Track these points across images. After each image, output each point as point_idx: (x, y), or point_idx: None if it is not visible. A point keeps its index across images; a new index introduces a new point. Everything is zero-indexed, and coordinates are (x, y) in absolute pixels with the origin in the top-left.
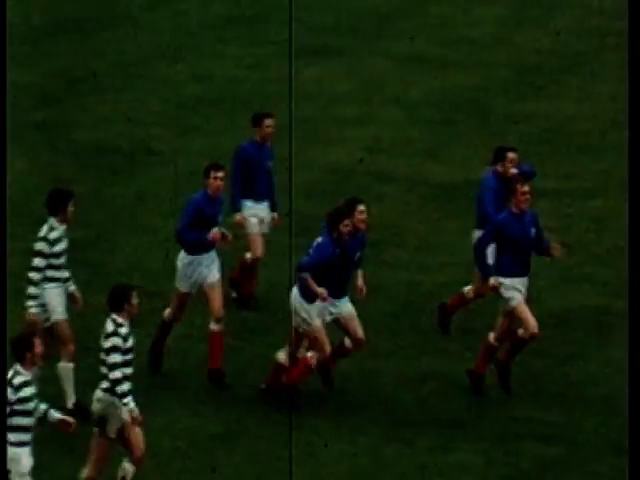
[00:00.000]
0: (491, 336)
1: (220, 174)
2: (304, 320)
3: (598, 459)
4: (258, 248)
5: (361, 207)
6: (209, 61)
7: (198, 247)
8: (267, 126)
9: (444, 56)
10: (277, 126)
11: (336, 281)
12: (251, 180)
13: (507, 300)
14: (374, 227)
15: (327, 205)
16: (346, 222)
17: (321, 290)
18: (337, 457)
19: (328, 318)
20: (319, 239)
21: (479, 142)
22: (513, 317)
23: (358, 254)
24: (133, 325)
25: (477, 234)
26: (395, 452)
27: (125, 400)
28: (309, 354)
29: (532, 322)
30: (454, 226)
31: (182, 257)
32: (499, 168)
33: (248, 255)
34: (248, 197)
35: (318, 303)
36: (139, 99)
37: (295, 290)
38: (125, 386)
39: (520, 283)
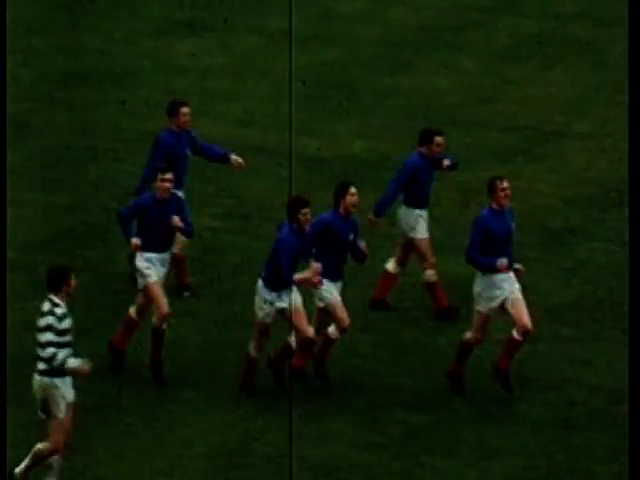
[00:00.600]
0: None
1: (168, 176)
2: (256, 309)
3: (464, 427)
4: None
5: (352, 189)
6: (79, 35)
7: (150, 246)
8: (184, 114)
9: (314, 32)
10: (148, 101)
11: (332, 264)
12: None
13: (476, 300)
14: (246, 201)
15: (200, 178)
16: (304, 211)
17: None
18: (210, 428)
19: (333, 296)
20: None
21: (349, 116)
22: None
23: (351, 236)
24: None
25: (404, 209)
26: (267, 422)
27: (66, 366)
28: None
29: (478, 330)
30: (324, 199)
31: (139, 256)
32: (424, 150)
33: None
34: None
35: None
36: (10, 73)
37: (260, 281)
38: (61, 355)
39: (505, 280)
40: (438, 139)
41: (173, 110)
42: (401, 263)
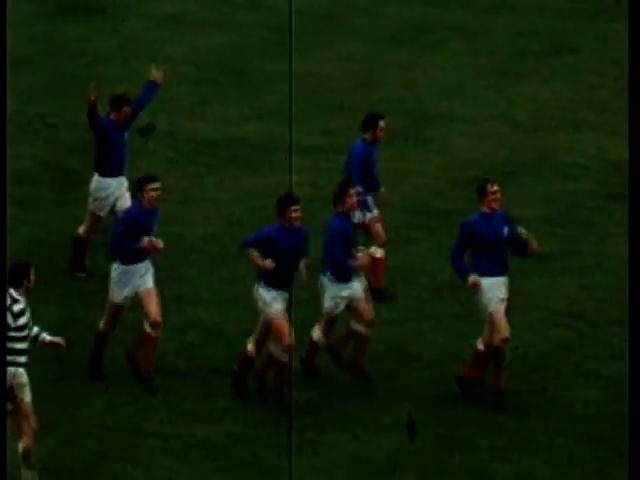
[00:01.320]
0: (479, 343)
1: (156, 185)
2: (264, 304)
3: (351, 403)
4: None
5: (352, 191)
6: None
7: (132, 257)
8: (126, 112)
9: (205, 16)
10: (38, 84)
11: (342, 264)
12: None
13: (484, 304)
14: None
15: (91, 161)
16: (294, 207)
17: (267, 262)
18: (100, 409)
19: (342, 305)
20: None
21: (239, 100)
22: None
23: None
24: None
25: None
26: (158, 401)
27: (41, 337)
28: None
29: (503, 330)
30: (215, 180)
31: (115, 267)
32: (368, 137)
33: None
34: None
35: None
36: None
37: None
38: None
39: (502, 283)
40: (381, 123)
41: (116, 105)
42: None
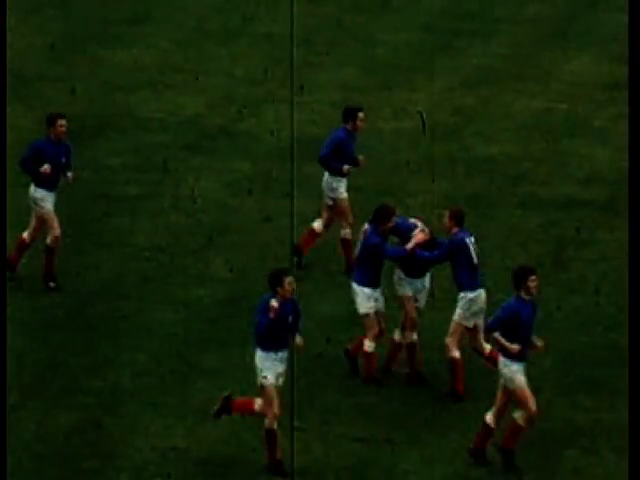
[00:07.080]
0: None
1: (291, 278)
2: (508, 379)
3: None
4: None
5: (394, 218)
6: None
7: (272, 345)
8: (60, 125)
9: None
10: None
11: (375, 273)
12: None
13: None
14: None
15: None
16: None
17: (515, 347)
18: None
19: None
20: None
21: None
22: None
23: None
24: None
25: (327, 176)
26: None
27: None
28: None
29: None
30: None
31: (259, 355)
32: (349, 126)
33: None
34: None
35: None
36: None
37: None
38: None
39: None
40: (361, 115)
41: (51, 121)
42: (326, 225)
